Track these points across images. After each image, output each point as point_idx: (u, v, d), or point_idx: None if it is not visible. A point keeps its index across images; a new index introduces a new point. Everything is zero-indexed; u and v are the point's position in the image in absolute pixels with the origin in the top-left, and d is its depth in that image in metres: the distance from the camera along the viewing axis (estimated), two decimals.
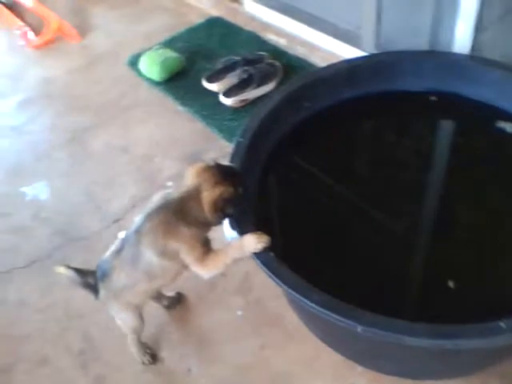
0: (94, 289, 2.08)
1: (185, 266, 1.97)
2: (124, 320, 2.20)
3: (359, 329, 1.62)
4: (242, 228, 1.91)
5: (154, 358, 2.35)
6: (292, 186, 2.49)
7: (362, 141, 2.81)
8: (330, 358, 2.21)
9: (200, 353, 2.36)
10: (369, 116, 2.75)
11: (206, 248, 1.93)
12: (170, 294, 2.50)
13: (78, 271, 2.09)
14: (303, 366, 2.26)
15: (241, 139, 2.31)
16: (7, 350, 2.47)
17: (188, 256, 1.90)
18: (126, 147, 3.36)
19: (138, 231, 1.94)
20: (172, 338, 2.43)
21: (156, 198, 2.01)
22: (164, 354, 2.38)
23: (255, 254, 1.84)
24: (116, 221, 2.95)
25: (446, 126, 2.78)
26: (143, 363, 2.33)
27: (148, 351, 2.35)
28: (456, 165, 2.47)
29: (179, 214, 1.89)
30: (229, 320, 2.45)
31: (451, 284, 1.98)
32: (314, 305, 1.68)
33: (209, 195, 1.87)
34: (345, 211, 2.36)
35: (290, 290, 1.73)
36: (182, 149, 3.29)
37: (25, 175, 3.28)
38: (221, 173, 1.91)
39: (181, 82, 3.66)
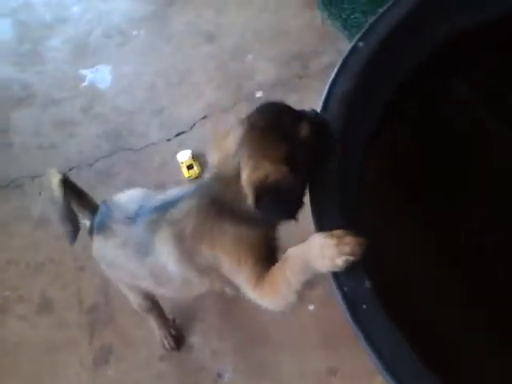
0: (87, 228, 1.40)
1: (226, 284, 1.20)
2: (123, 292, 1.52)
3: None
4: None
5: (178, 343, 1.68)
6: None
7: None
8: None
9: (240, 356, 1.63)
10: None
11: (268, 261, 1.05)
12: None
13: (75, 192, 1.38)
14: None
15: (360, 43, 1.33)
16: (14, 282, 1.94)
17: (234, 274, 1.09)
18: (214, 34, 2.50)
19: (159, 214, 1.17)
20: (211, 323, 1.71)
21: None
22: (194, 339, 1.69)
23: (335, 276, 0.95)
24: (179, 134, 2.20)
25: None
26: (163, 346, 1.68)
27: (173, 332, 1.68)
28: None
29: (216, 205, 1.07)
30: (292, 317, 1.66)
31: None
32: None
33: (247, 177, 1.00)
34: None
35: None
36: (286, 46, 2.35)
37: (89, 54, 2.59)
38: (274, 132, 1.01)
39: None
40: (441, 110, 1.58)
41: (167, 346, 1.67)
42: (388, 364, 0.81)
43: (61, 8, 2.80)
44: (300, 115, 1.07)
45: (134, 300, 1.54)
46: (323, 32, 2.35)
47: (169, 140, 2.20)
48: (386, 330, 0.84)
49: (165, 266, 1.16)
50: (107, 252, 1.33)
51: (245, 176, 1.01)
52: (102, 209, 1.36)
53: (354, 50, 1.32)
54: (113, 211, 1.29)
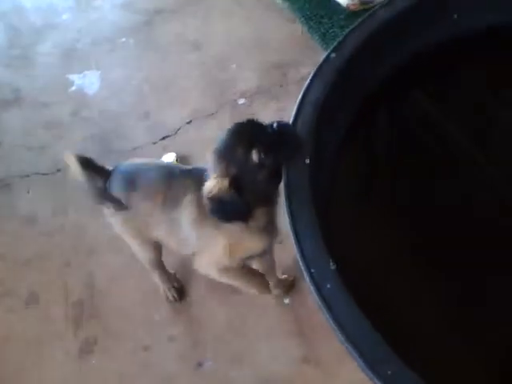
0: (100, 194, 1.51)
1: None
2: (133, 248, 1.66)
3: None
4: None
5: (180, 295, 1.82)
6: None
7: None
8: None
9: (220, 345, 1.72)
10: None
11: None
12: None
13: (91, 167, 1.49)
14: None
15: (333, 54, 1.46)
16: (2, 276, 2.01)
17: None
18: (199, 44, 2.61)
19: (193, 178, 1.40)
20: (192, 315, 1.81)
21: None
22: (175, 331, 1.78)
23: (303, 259, 1.07)
24: (164, 138, 2.30)
25: None
26: (167, 299, 1.81)
27: (175, 285, 1.82)
28: None
29: None
30: (270, 309, 1.76)
31: None
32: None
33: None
34: None
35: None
36: (268, 56, 2.48)
37: (78, 60, 2.68)
38: (225, 157, 1.25)
39: None
40: (411, 114, 1.71)
41: (171, 298, 1.81)
42: (349, 334, 0.92)
43: (51, 14, 2.88)
44: (255, 139, 1.24)
45: (146, 255, 1.67)
46: (303, 44, 2.47)
47: (154, 143, 2.29)
48: (348, 305, 0.95)
49: (180, 222, 1.38)
50: (140, 211, 1.46)
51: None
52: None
53: (326, 60, 1.44)
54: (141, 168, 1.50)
